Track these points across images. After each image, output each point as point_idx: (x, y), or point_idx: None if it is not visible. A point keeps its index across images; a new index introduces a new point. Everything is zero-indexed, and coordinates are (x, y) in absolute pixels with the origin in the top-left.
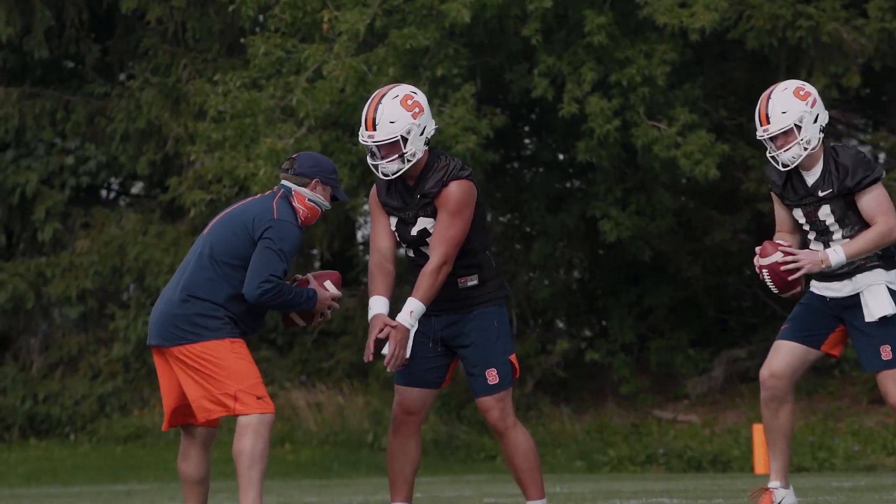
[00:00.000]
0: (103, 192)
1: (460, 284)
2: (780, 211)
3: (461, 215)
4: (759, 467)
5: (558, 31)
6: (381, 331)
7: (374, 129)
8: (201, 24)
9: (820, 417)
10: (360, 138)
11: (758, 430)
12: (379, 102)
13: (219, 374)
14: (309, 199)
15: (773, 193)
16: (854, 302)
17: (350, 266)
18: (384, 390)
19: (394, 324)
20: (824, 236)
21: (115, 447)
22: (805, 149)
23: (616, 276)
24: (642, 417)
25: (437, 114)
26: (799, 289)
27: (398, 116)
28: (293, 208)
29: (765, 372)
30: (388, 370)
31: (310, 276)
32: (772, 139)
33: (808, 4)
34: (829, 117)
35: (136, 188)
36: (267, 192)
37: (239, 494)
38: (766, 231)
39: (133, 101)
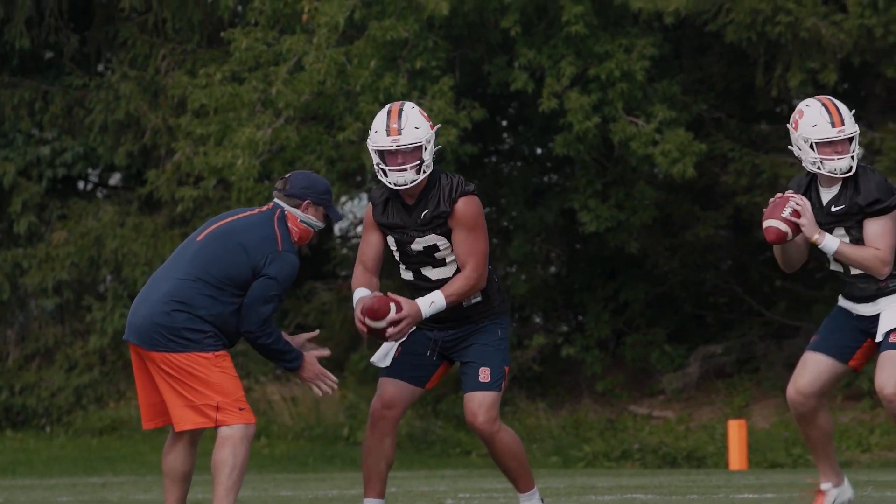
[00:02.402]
0: (80, 184)
1: (464, 303)
2: None
3: (481, 228)
4: (734, 463)
5: (538, 24)
6: (396, 311)
7: (399, 134)
8: (180, 14)
9: None
10: (378, 145)
11: (732, 427)
12: (400, 110)
13: (201, 386)
14: (301, 220)
15: None
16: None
17: (327, 259)
18: (360, 385)
19: (410, 302)
20: (839, 261)
21: (91, 439)
22: (855, 162)
23: (593, 272)
24: (618, 413)
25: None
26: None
27: (421, 124)
28: (289, 230)
29: (791, 390)
30: (390, 340)
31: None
32: (831, 143)
33: None
34: None
35: (114, 180)
36: (265, 209)
37: (214, 502)
38: (744, 226)
39: (111, 92)
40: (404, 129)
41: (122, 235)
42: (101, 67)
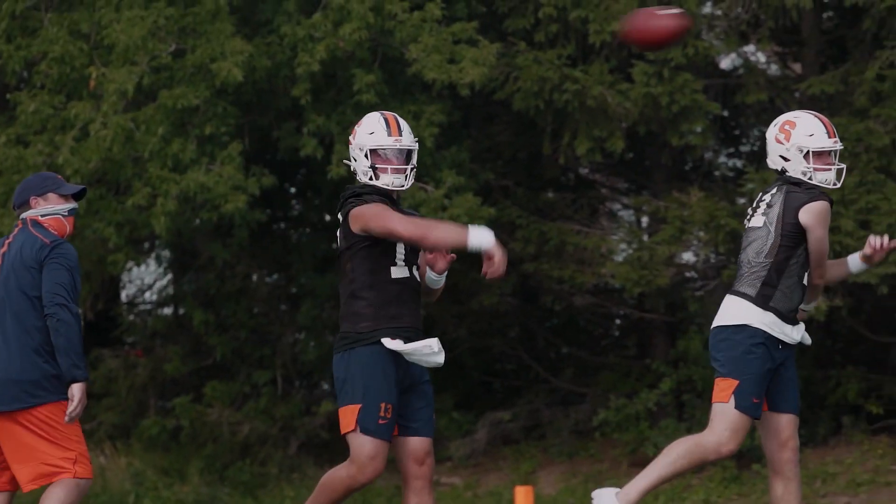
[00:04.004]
0: None
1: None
2: None
3: None
4: None
5: (327, 91)
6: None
7: (400, 135)
8: None
9: (581, 480)
10: (379, 143)
11: (519, 493)
12: (394, 115)
13: (61, 438)
14: (42, 216)
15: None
16: (791, 351)
17: (114, 325)
18: (146, 451)
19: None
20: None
21: None
22: (840, 175)
23: None
24: None
25: (205, 172)
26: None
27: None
28: (46, 228)
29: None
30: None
31: None
32: (822, 154)
33: (574, 68)
34: (594, 181)
35: None
36: (14, 232)
37: None
38: (531, 293)
39: None
40: (404, 132)
41: None
42: None
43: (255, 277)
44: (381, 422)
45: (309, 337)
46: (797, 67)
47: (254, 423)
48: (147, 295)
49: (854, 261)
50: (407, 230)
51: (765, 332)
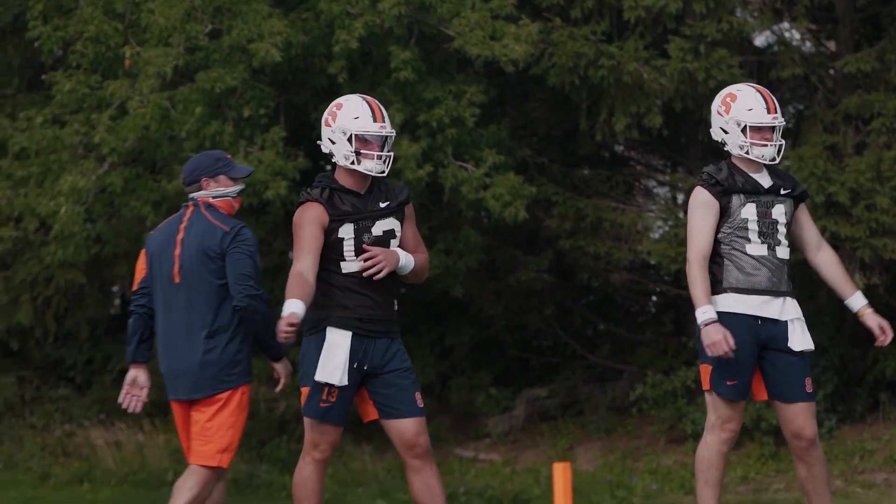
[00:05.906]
0: None
1: (395, 305)
2: (710, 221)
3: None
4: None
5: (363, 69)
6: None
7: (384, 122)
8: None
9: (619, 456)
10: (365, 130)
11: (557, 469)
12: (376, 101)
13: (222, 426)
14: (214, 198)
15: (709, 200)
16: (781, 330)
17: None
18: None
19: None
20: (769, 238)
21: None
22: (779, 151)
23: (418, 316)
24: (443, 456)
25: (244, 156)
26: None
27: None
28: (218, 210)
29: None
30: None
31: None
32: (762, 129)
33: (609, 44)
34: (629, 158)
35: None
36: (189, 212)
37: None
38: (567, 270)
39: None
40: (386, 119)
41: None
42: None
43: (290, 255)
44: (322, 405)
45: None
46: (831, 45)
47: (290, 400)
48: None
49: (854, 302)
50: (294, 268)
51: (729, 313)
